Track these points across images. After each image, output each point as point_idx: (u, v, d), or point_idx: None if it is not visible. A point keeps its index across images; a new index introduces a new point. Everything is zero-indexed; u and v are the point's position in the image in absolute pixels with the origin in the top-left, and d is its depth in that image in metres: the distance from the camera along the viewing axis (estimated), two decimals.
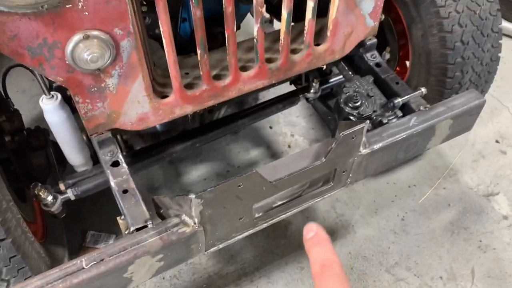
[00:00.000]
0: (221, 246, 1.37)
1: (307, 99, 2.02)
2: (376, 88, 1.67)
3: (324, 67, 1.80)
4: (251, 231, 1.40)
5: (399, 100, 1.59)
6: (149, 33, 1.70)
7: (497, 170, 2.40)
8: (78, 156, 1.62)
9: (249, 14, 2.15)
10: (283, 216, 1.44)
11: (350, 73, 1.84)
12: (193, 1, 1.22)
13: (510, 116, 2.67)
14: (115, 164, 1.39)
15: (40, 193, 1.49)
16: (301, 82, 2.08)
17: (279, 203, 1.41)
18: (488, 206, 2.24)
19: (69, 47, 1.14)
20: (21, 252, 1.36)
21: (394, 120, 1.57)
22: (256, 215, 1.37)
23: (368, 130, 1.46)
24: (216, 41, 1.77)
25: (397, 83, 1.69)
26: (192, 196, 1.13)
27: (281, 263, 2.05)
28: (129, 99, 1.36)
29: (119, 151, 1.43)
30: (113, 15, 1.14)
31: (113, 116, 1.39)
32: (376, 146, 1.44)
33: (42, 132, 1.76)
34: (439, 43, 1.79)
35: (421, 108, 1.57)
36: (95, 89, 1.29)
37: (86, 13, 1.11)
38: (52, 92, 1.47)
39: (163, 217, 1.33)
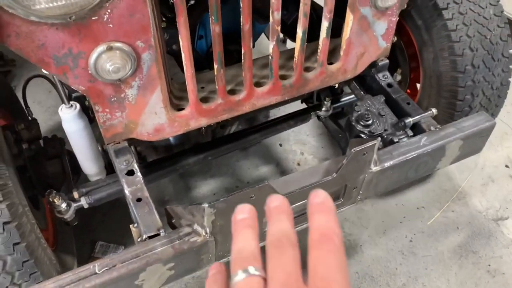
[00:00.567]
0: (230, 258, 1.38)
1: (318, 117, 2.05)
2: (387, 107, 1.70)
3: (336, 86, 1.84)
4: (260, 244, 1.41)
5: (410, 120, 1.61)
6: (166, 49, 1.75)
7: (507, 194, 2.39)
8: (93, 165, 1.65)
9: (262, 35, 2.21)
10: None
11: (362, 92, 1.88)
12: (213, 17, 1.27)
13: None
14: (130, 173, 1.42)
15: (55, 200, 1.52)
16: (313, 101, 2.11)
17: None
18: (497, 230, 2.24)
19: (93, 57, 1.19)
20: (34, 257, 1.37)
21: (404, 139, 1.59)
22: (266, 229, 1.39)
23: (379, 148, 1.48)
24: (231, 58, 1.82)
25: (408, 103, 1.72)
26: (206, 205, 1.15)
27: None
28: (147, 110, 1.40)
29: (134, 160, 1.46)
30: (136, 28, 1.19)
31: (130, 126, 1.42)
32: (387, 164, 1.46)
33: (58, 141, 1.80)
34: (450, 66, 1.83)
35: (432, 128, 1.60)
36: (115, 99, 1.33)
37: (111, 25, 1.15)
38: (71, 102, 1.51)
39: (174, 227, 1.34)
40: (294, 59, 1.54)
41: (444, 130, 1.56)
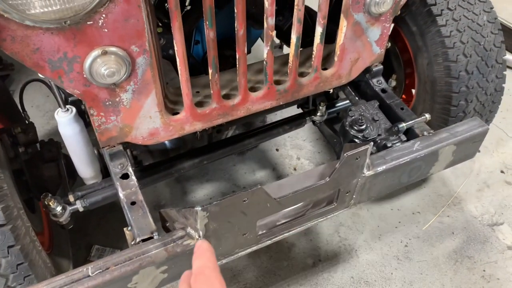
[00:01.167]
0: (224, 261, 1.39)
1: (313, 122, 2.06)
2: (381, 112, 1.71)
3: (331, 91, 1.85)
4: (254, 248, 1.42)
5: (403, 125, 1.63)
6: (163, 54, 1.77)
7: (502, 200, 2.40)
8: (88, 169, 1.66)
9: (259, 40, 2.23)
10: (286, 235, 1.46)
11: (356, 97, 1.89)
12: (207, 23, 1.28)
13: None
14: (125, 176, 1.43)
15: (50, 203, 1.52)
16: (308, 106, 2.13)
17: (283, 221, 1.44)
18: (492, 235, 2.24)
19: (88, 61, 1.20)
20: (28, 259, 1.38)
21: (398, 144, 1.60)
22: (260, 232, 1.40)
23: (372, 153, 1.49)
24: (227, 63, 1.84)
25: (402, 108, 1.73)
26: (198, 208, 1.16)
27: (283, 285, 2.05)
28: (142, 114, 1.41)
29: (129, 164, 1.47)
30: (131, 33, 1.20)
31: (125, 130, 1.43)
32: (380, 169, 1.47)
33: (54, 144, 1.81)
34: (444, 72, 1.84)
35: (425, 133, 1.61)
36: (110, 103, 1.34)
37: (106, 30, 1.17)
38: (67, 106, 1.52)
39: (168, 231, 1.35)
40: (289, 65, 1.56)
41: (437, 135, 1.57)
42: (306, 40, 1.61)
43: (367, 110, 1.71)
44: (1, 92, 2.05)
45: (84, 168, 1.66)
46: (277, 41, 2.30)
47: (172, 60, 1.80)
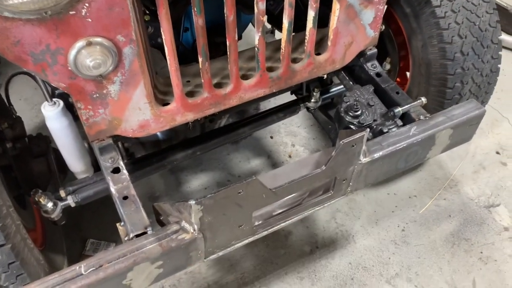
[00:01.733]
0: (220, 253, 1.37)
1: (307, 108, 2.03)
2: (377, 97, 1.68)
3: (325, 77, 1.82)
4: (250, 239, 1.40)
5: (399, 110, 1.60)
6: (151, 42, 1.72)
7: (498, 181, 2.39)
8: (79, 163, 1.62)
9: (250, 25, 2.18)
10: (283, 225, 1.43)
11: (351, 82, 1.86)
12: (195, 9, 1.23)
13: (510, 128, 2.67)
14: (116, 170, 1.40)
15: (40, 200, 1.49)
16: (302, 92, 2.09)
17: (279, 211, 1.41)
18: (489, 217, 2.24)
19: (72, 53, 1.16)
20: (20, 258, 1.35)
21: (394, 129, 1.57)
22: (256, 223, 1.37)
23: (368, 139, 1.46)
24: (218, 50, 1.79)
25: (397, 92, 1.70)
26: (192, 202, 1.13)
27: (280, 273, 2.04)
28: (131, 106, 1.37)
29: (120, 158, 1.43)
30: (116, 22, 1.16)
31: (114, 122, 1.39)
32: (376, 155, 1.44)
33: (43, 139, 1.77)
34: (439, 53, 1.81)
35: (421, 117, 1.58)
36: (97, 95, 1.30)
37: (89, 19, 1.12)
38: (54, 99, 1.48)
39: (163, 224, 1.32)
40: (281, 51, 1.52)
41: (434, 119, 1.54)
42: (299, 24, 1.56)
43: (362, 95, 1.68)
44: None
45: (75, 162, 1.62)
46: (269, 26, 2.25)
47: (161, 49, 1.75)
